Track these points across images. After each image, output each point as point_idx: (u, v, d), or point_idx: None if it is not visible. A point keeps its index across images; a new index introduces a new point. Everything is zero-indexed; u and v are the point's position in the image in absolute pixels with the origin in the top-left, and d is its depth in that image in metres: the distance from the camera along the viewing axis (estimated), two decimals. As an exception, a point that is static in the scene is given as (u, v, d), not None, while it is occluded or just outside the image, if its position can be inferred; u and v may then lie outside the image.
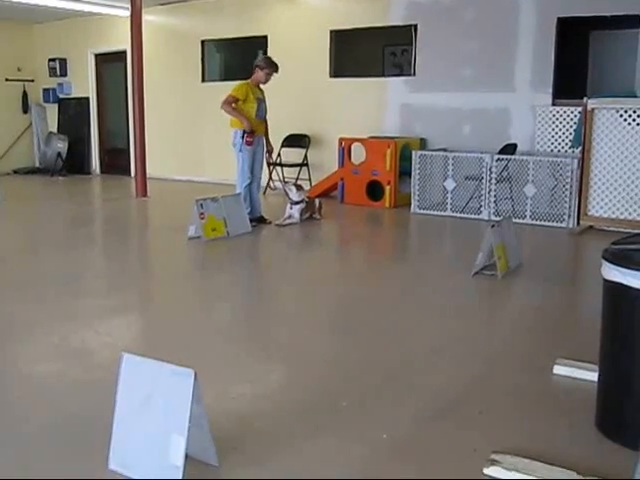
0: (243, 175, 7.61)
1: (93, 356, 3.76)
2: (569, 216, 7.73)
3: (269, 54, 10.82)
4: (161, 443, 2.38)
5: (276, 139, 10.13)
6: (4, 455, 2.65)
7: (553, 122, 8.43)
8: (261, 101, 7.60)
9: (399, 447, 2.73)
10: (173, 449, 2.34)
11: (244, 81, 7.62)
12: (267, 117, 7.78)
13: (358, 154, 9.37)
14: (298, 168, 10.44)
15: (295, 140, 10.61)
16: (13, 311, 4.60)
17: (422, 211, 8.72)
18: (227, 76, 11.87)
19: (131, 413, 2.49)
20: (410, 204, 8.84)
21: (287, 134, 10.58)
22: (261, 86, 7.69)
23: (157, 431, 2.39)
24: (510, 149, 8.40)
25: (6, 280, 5.50)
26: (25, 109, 14.27)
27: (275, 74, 7.65)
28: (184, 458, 2.33)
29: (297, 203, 7.97)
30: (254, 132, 7.46)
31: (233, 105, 7.38)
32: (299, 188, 8.06)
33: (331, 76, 10.44)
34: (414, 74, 9.65)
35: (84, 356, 3.75)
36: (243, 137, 7.40)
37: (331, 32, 10.32)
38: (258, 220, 7.81)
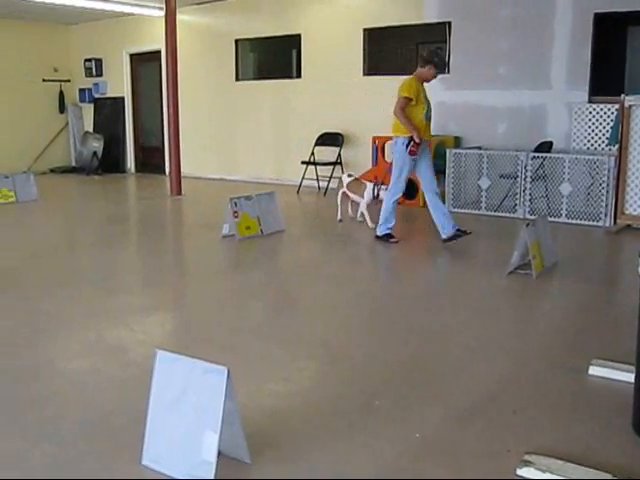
0: (397, 186, 6.68)
1: (128, 353, 3.80)
2: (606, 215, 7.61)
3: (302, 53, 10.87)
4: (194, 440, 2.40)
5: (309, 137, 10.17)
6: (40, 450, 2.69)
7: (589, 119, 8.30)
8: (428, 101, 6.64)
9: (432, 446, 2.71)
10: (206, 446, 2.36)
11: (410, 77, 6.57)
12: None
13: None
14: (332, 166, 10.43)
15: (329, 138, 10.59)
16: (49, 308, 4.67)
17: (456, 209, 8.65)
18: (261, 75, 11.96)
19: (164, 409, 2.51)
20: (444, 202, 8.76)
21: (321, 132, 10.58)
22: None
23: (190, 428, 2.41)
24: (546, 147, 8.30)
25: (42, 277, 5.58)
26: (62, 109, 14.48)
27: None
28: (217, 455, 2.35)
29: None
30: (422, 141, 6.41)
31: (406, 111, 6.40)
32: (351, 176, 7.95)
33: (364, 74, 10.39)
34: (448, 72, 9.56)
35: (119, 353, 3.79)
36: (408, 146, 6.42)
37: (364, 30, 10.28)
38: (455, 236, 6.60)
